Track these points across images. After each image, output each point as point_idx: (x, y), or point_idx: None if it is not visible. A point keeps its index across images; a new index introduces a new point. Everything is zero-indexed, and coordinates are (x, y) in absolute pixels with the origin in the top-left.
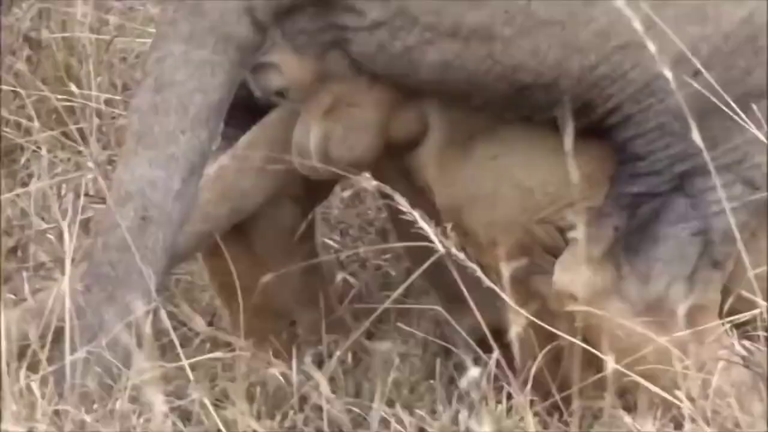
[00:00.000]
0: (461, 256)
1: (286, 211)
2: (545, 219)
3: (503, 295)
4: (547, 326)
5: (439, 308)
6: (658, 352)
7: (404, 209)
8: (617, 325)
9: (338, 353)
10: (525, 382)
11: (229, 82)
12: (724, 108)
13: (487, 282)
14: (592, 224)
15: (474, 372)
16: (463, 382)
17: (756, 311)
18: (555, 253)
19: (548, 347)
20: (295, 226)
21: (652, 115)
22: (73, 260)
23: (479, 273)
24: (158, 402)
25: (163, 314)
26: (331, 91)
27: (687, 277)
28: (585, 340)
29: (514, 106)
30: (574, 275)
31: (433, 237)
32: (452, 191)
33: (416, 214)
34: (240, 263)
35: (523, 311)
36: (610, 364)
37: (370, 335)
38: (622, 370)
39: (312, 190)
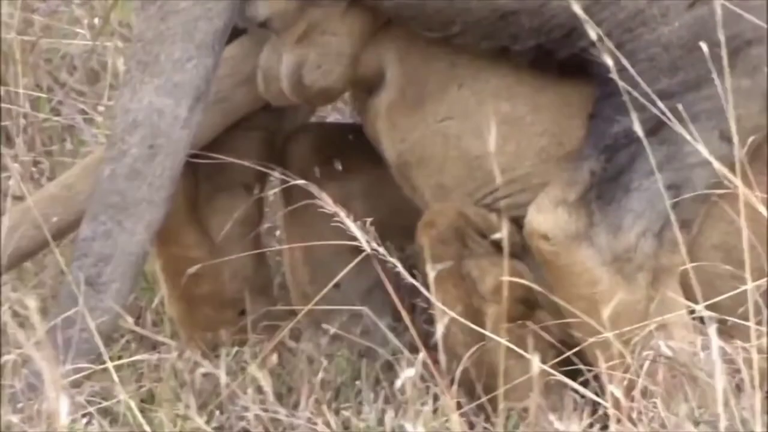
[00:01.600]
0: (381, 250)
1: (239, 200)
2: (493, 193)
3: (427, 294)
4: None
5: (365, 309)
6: (622, 304)
7: (329, 209)
8: (584, 271)
9: (261, 355)
10: (451, 383)
11: (231, 8)
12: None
13: (409, 278)
14: (569, 168)
15: (409, 372)
16: (398, 383)
17: (682, 311)
18: (488, 237)
19: (474, 348)
20: (247, 213)
21: (642, 45)
22: None
23: (400, 268)
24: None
25: (86, 314)
26: (306, 17)
27: (657, 234)
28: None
29: (494, 33)
30: (547, 216)
31: (358, 235)
32: (402, 148)
33: (342, 213)
34: (198, 250)
35: (450, 311)
36: (536, 364)
37: (297, 336)
38: (548, 370)
39: (262, 179)
